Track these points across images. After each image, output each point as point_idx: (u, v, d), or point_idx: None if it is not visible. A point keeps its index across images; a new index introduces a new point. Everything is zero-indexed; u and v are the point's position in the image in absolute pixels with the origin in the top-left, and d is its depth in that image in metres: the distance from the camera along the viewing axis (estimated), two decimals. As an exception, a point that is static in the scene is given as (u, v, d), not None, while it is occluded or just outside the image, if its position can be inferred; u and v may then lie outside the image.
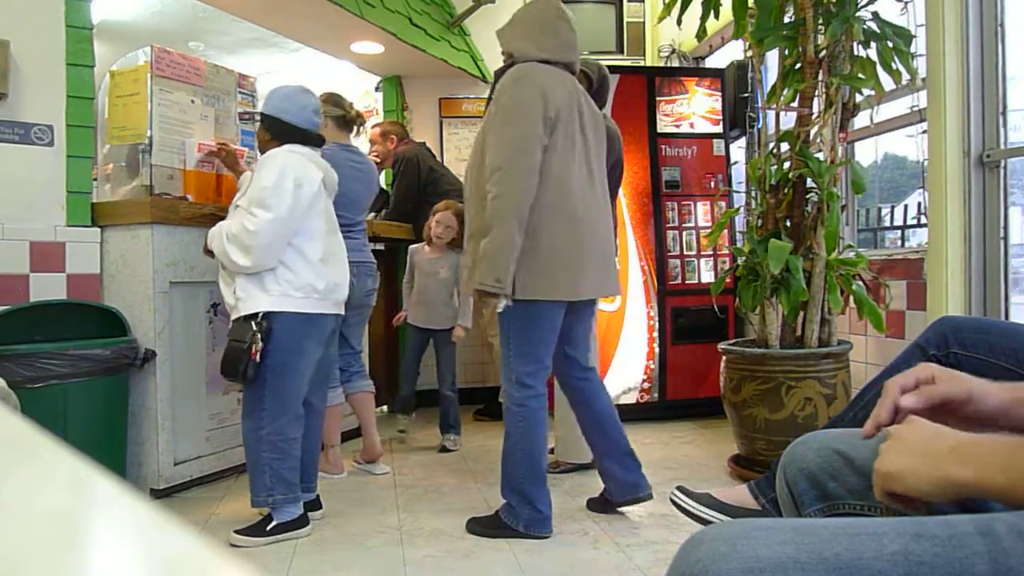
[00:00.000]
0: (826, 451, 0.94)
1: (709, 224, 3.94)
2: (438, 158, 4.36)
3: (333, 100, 3.01)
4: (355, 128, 3.08)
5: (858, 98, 2.91)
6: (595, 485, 2.62)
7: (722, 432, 3.46)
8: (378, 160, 4.11)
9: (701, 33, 3.15)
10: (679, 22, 3.14)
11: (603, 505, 2.55)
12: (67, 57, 2.65)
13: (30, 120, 2.58)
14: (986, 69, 2.65)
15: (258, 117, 2.44)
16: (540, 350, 2.31)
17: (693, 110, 4.09)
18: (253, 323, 2.21)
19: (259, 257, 2.19)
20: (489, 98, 2.33)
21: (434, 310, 3.52)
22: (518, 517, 2.30)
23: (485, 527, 2.34)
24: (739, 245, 3.16)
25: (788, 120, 2.99)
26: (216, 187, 3.02)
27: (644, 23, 4.70)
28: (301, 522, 2.33)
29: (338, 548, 2.25)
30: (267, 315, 2.23)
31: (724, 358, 2.98)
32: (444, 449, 3.50)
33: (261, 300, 2.23)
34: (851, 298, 2.84)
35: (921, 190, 2.90)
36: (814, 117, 2.87)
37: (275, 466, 2.27)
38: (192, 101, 2.96)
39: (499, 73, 2.34)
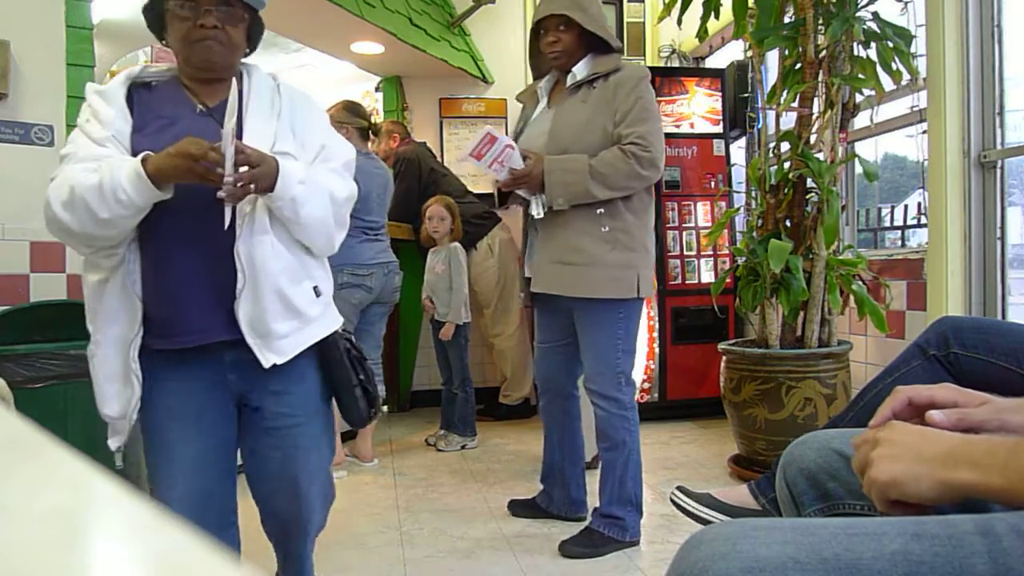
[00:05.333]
0: (826, 451, 0.94)
1: (709, 224, 3.94)
2: (438, 158, 4.36)
3: (354, 110, 3.02)
4: (370, 135, 3.11)
5: (858, 98, 2.91)
6: (595, 484, 2.60)
7: (722, 432, 3.46)
8: (382, 159, 4.11)
9: (701, 33, 3.15)
10: (679, 22, 3.14)
11: (528, 509, 2.50)
12: (67, 57, 2.65)
13: (30, 120, 2.58)
14: (984, 69, 2.66)
15: None
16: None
17: (693, 110, 4.09)
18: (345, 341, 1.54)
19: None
20: (586, 80, 2.19)
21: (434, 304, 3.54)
22: (626, 528, 2.21)
23: (593, 547, 2.17)
24: (739, 245, 3.16)
25: (788, 120, 2.99)
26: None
27: (644, 23, 4.70)
28: None
29: (338, 548, 2.25)
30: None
31: (724, 358, 2.98)
32: (436, 447, 3.51)
33: (335, 313, 1.55)
34: (851, 298, 2.84)
35: (921, 190, 2.90)
36: (814, 117, 2.87)
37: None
38: (192, 101, 2.95)
39: (595, 61, 2.22)
